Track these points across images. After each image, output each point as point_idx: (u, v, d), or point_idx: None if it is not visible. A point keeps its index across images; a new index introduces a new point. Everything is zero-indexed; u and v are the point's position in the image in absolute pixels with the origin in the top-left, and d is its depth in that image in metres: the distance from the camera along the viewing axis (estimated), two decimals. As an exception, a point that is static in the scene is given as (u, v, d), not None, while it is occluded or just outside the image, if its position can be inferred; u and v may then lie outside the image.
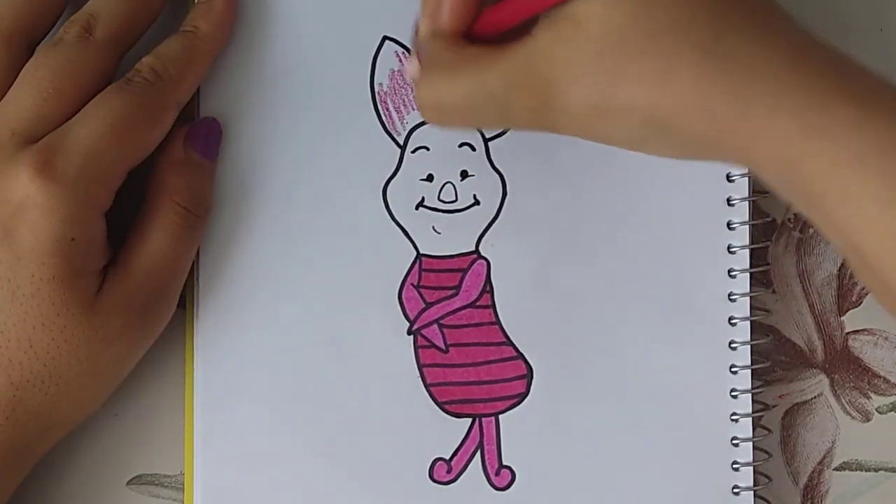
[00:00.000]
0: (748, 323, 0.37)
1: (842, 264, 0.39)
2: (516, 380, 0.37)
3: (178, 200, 0.34)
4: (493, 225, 0.37)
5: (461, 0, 0.30)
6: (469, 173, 0.37)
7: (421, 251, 0.37)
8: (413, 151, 0.37)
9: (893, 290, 0.28)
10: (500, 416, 0.36)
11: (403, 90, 0.36)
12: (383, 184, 0.36)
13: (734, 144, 0.28)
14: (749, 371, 0.37)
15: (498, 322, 0.37)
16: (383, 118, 0.36)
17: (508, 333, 0.37)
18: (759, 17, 0.28)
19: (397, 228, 0.36)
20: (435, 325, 0.36)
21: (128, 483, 0.37)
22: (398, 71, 0.36)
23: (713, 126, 0.28)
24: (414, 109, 0.36)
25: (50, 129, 0.32)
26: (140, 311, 0.33)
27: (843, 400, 0.39)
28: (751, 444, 0.37)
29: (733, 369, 0.37)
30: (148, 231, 0.34)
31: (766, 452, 0.38)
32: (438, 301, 0.37)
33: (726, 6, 0.28)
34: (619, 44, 0.28)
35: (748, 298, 0.37)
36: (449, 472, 0.36)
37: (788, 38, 0.28)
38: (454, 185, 0.36)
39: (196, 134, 0.35)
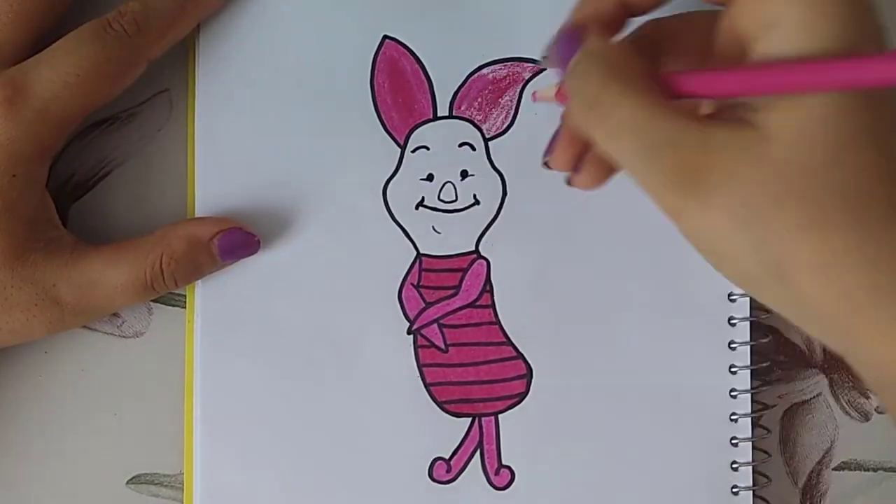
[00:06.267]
0: (748, 323, 0.37)
1: (841, 264, 0.39)
2: (516, 379, 0.37)
3: (164, 263, 0.34)
4: (493, 225, 0.37)
5: None
6: (469, 173, 0.37)
7: (421, 251, 0.37)
8: (413, 151, 0.37)
9: None
10: (500, 416, 0.37)
11: (404, 89, 0.36)
12: (383, 183, 0.36)
13: (849, 333, 0.26)
14: (748, 371, 0.37)
15: (497, 322, 0.37)
16: (383, 118, 0.36)
17: (508, 333, 0.37)
18: None
19: (397, 228, 0.36)
20: (435, 325, 0.36)
21: (127, 482, 0.37)
22: (399, 69, 0.37)
23: (834, 304, 0.26)
24: (415, 110, 0.36)
25: (14, 53, 0.32)
26: (48, 324, 0.33)
27: (842, 400, 0.39)
28: (750, 443, 0.37)
29: (733, 369, 0.37)
30: (116, 263, 0.33)
31: (766, 452, 0.38)
32: (438, 301, 0.37)
33: None
34: (787, 178, 0.25)
35: (748, 298, 0.37)
36: (448, 471, 0.36)
37: None
38: (454, 185, 0.36)
39: (230, 239, 0.35)
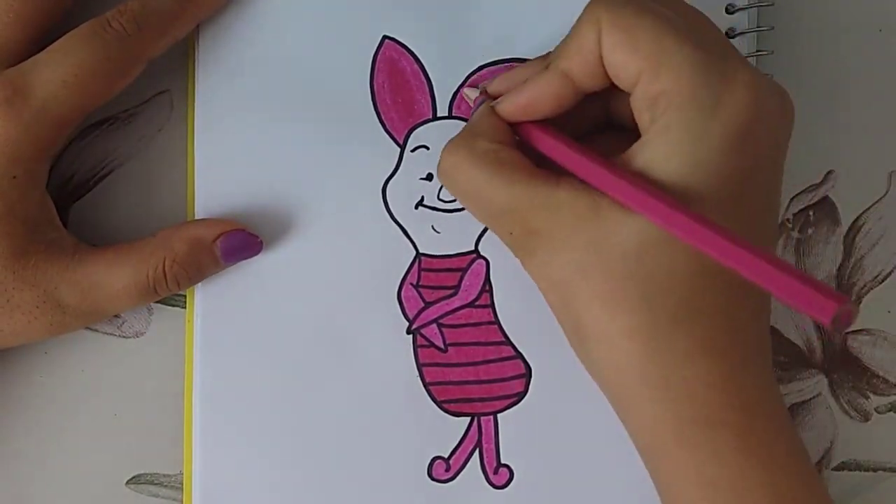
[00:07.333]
0: (747, 323, 0.37)
1: (841, 264, 0.39)
2: (515, 379, 0.37)
3: (167, 266, 0.34)
4: (493, 224, 0.37)
5: (522, 108, 0.32)
6: (468, 173, 0.37)
7: (420, 250, 0.37)
8: (413, 150, 0.37)
9: None
10: (499, 415, 0.37)
11: (403, 89, 0.37)
12: (382, 183, 0.36)
13: (619, 401, 0.31)
14: (748, 371, 0.37)
15: (497, 321, 0.37)
16: (383, 117, 0.36)
17: (507, 333, 0.37)
18: (734, 309, 0.29)
19: (396, 227, 0.36)
20: (434, 325, 0.36)
21: (127, 482, 0.37)
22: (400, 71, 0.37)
23: (611, 375, 0.30)
24: (414, 110, 0.36)
25: (14, 53, 0.32)
26: (50, 326, 0.33)
27: (841, 400, 0.39)
28: (750, 443, 0.37)
29: (732, 369, 0.37)
30: (119, 266, 0.33)
31: (765, 452, 0.38)
32: (437, 300, 0.37)
33: (712, 291, 0.29)
34: (601, 253, 0.29)
35: (747, 298, 0.37)
36: (447, 470, 0.36)
37: (734, 351, 0.29)
38: (453, 185, 0.37)
39: (233, 241, 0.35)
